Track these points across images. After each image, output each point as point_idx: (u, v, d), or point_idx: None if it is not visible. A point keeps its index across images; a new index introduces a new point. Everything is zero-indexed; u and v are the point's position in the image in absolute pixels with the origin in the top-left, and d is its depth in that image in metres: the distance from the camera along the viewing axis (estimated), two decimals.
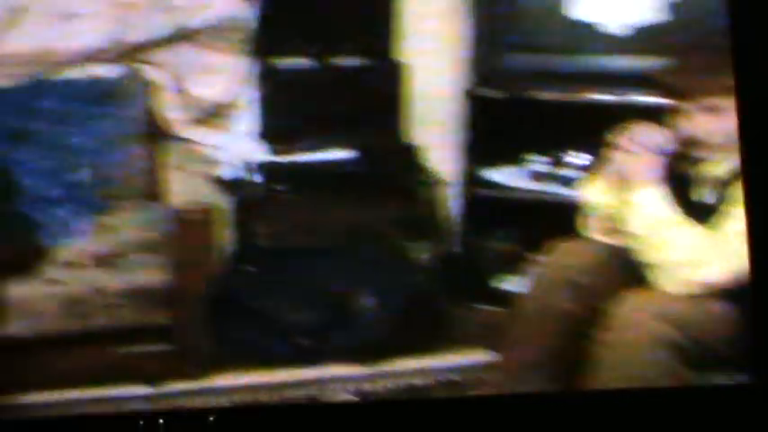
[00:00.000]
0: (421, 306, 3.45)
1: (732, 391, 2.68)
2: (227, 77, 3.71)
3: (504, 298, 3.38)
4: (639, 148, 2.71)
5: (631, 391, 2.62)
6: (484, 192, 3.70)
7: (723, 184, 2.69)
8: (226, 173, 3.60)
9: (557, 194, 3.56)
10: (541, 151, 3.66)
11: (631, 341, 2.57)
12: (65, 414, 2.98)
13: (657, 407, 2.64)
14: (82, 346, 3.13)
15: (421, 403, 3.12)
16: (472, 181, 3.74)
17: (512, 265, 3.61)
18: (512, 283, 3.56)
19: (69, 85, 3.59)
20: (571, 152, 3.59)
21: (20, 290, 3.06)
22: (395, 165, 3.67)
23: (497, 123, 3.62)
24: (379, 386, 3.26)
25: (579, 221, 2.96)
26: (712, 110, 2.68)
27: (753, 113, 2.71)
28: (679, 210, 2.67)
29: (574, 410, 2.69)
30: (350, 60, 3.74)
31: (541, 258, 2.97)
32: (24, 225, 3.33)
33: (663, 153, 2.70)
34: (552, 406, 2.73)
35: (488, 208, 3.69)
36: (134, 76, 3.63)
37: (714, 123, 2.69)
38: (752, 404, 2.65)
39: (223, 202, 3.35)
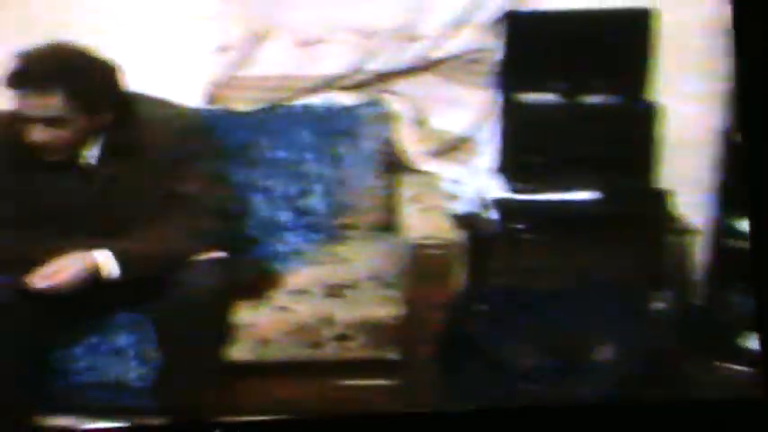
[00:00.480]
0: (658, 360, 3.27)
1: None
2: (469, 110, 3.65)
3: (750, 357, 3.21)
4: None
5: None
6: (734, 242, 3.49)
7: None
8: (463, 208, 3.51)
9: None
10: None
11: None
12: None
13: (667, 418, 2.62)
14: (306, 376, 3.09)
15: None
16: (722, 231, 3.55)
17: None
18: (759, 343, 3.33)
19: (309, 111, 3.58)
20: None
21: (249, 314, 3.03)
22: (641, 209, 3.50)
23: None
24: None
25: None
26: None
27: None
28: None
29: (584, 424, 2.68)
30: (599, 98, 3.60)
31: None
32: (256, 249, 3.34)
33: None
34: (555, 418, 2.71)
35: (737, 260, 3.46)
36: (375, 106, 3.59)
37: None
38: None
39: (459, 237, 3.24)
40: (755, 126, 2.54)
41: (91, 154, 2.95)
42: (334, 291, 3.16)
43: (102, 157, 2.95)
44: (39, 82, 2.78)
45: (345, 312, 3.05)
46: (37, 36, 2.89)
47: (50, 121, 2.81)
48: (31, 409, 2.92)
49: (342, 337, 3.03)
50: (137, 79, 3.01)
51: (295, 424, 2.83)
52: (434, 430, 2.75)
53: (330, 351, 3.04)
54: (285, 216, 3.47)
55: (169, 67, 3.55)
